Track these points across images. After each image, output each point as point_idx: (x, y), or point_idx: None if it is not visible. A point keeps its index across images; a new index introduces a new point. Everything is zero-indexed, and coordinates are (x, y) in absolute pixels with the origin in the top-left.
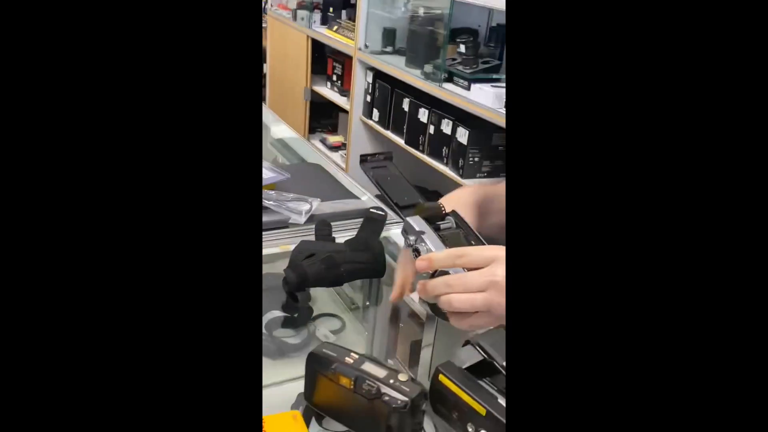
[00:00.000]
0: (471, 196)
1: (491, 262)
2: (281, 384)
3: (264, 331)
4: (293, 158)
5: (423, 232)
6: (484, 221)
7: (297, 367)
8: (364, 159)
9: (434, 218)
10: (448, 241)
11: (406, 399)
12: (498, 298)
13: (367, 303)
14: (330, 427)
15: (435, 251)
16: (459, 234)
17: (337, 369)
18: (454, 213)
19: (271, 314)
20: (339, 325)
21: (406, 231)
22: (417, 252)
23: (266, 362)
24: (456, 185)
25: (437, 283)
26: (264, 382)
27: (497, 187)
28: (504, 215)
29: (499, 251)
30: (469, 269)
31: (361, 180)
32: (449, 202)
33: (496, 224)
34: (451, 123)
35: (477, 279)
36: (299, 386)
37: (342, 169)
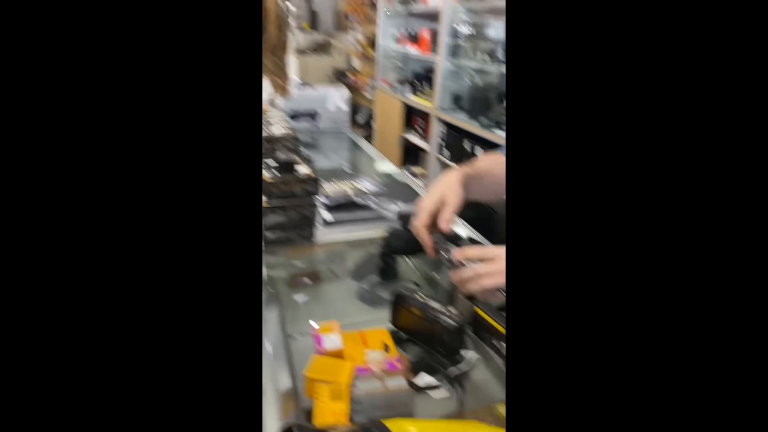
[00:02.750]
0: (455, 176)
1: (497, 256)
2: (376, 323)
3: (368, 288)
4: (385, 177)
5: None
6: (468, 195)
7: (385, 315)
8: (405, 219)
9: (456, 240)
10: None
11: (455, 323)
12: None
13: (432, 273)
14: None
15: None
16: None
17: (411, 302)
18: (469, 238)
19: (373, 278)
20: (417, 289)
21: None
22: (450, 261)
23: (365, 308)
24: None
25: (469, 273)
26: (361, 320)
27: (476, 167)
28: (482, 188)
29: (500, 249)
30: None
31: None
32: (440, 185)
33: (477, 196)
34: None
35: (496, 267)
36: (387, 325)
37: (422, 188)
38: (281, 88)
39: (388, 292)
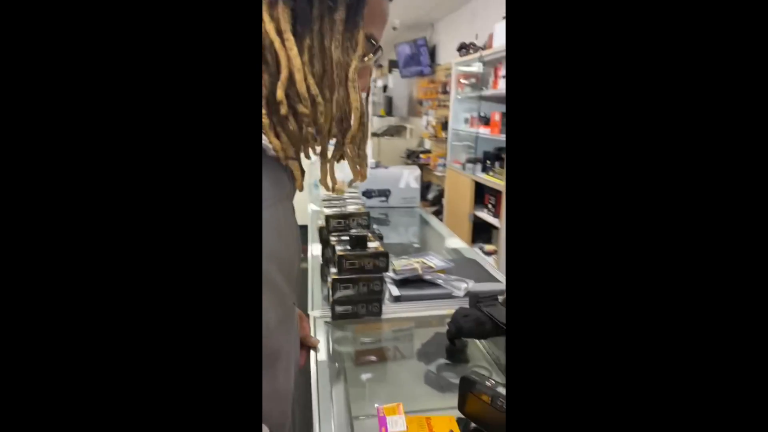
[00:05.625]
0: None
1: None
2: (442, 410)
3: (434, 371)
4: (452, 254)
5: None
6: None
7: (455, 400)
8: (476, 300)
9: None
10: None
11: None
12: None
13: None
14: None
15: None
16: None
17: (480, 388)
18: None
19: (440, 360)
20: (487, 373)
21: None
22: None
23: (433, 392)
24: None
25: None
26: (430, 406)
27: None
28: None
29: None
30: None
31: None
32: None
33: None
34: None
35: None
36: (456, 413)
37: (493, 266)
38: (360, 174)
39: (455, 376)
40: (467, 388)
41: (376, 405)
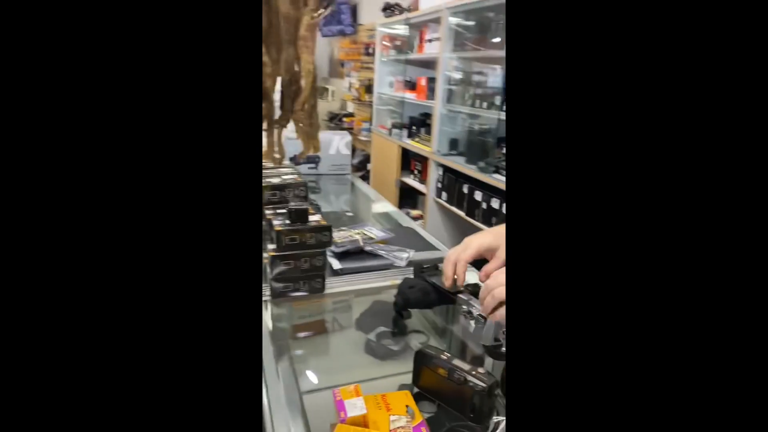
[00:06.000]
0: (503, 227)
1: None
2: (386, 377)
3: (374, 339)
4: (391, 223)
5: (472, 303)
6: None
7: (398, 366)
8: (420, 270)
9: (476, 292)
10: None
11: (485, 384)
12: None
13: (444, 323)
14: (425, 409)
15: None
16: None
17: (436, 362)
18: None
19: (380, 329)
20: (425, 338)
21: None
22: (470, 313)
23: (375, 361)
24: None
25: (491, 300)
26: (373, 375)
27: None
28: None
29: (502, 273)
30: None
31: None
32: (487, 231)
33: None
34: (498, 201)
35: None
36: (399, 379)
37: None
38: (312, 145)
39: (396, 344)
40: (423, 363)
41: (332, 390)
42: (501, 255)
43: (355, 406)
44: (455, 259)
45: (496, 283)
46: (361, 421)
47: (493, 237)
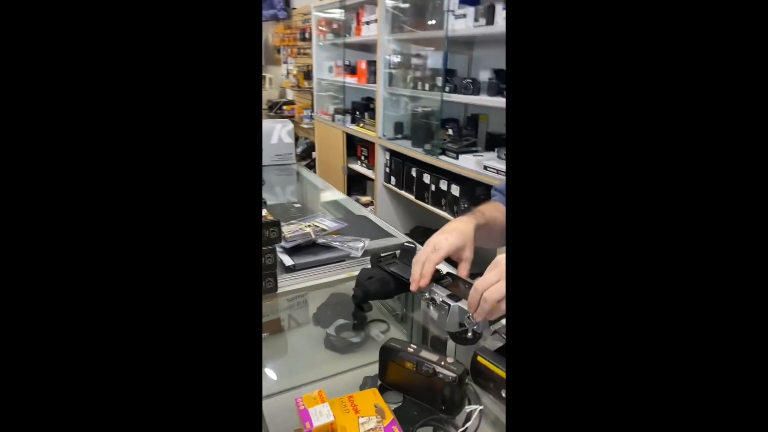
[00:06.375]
0: (470, 227)
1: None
2: (349, 371)
3: (334, 333)
4: (342, 212)
5: (434, 290)
6: (476, 243)
7: (359, 359)
8: (377, 260)
9: (438, 279)
10: (449, 289)
11: (455, 375)
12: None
13: (404, 310)
14: (391, 400)
15: (445, 297)
16: (456, 283)
17: (403, 356)
18: (448, 273)
19: (339, 321)
20: (385, 327)
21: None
22: (433, 300)
23: (336, 356)
24: None
25: (475, 298)
26: (335, 370)
27: (485, 216)
28: (487, 237)
29: (489, 273)
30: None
31: (390, 225)
32: (456, 233)
33: (481, 244)
34: (446, 182)
35: (496, 287)
36: (363, 372)
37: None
38: None
39: (356, 336)
40: (388, 358)
41: (294, 398)
42: (468, 255)
43: (321, 414)
44: (424, 261)
45: (485, 283)
46: (329, 429)
47: (458, 236)
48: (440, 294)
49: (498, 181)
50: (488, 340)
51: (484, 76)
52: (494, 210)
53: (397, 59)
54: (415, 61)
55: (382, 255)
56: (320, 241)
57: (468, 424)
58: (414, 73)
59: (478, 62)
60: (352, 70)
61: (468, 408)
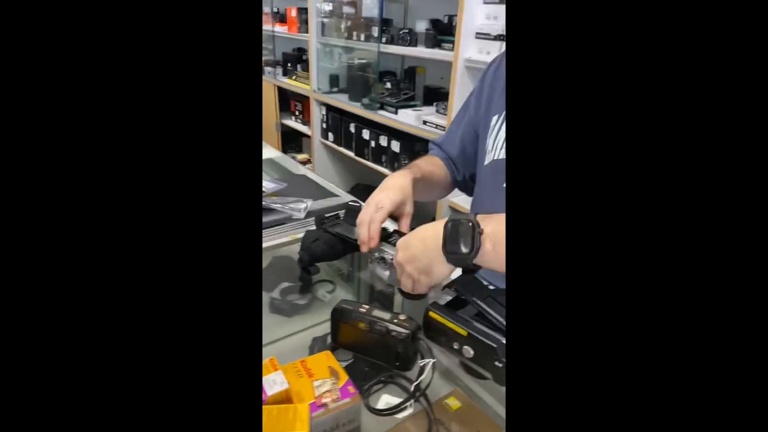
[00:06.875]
0: (408, 181)
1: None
2: (297, 333)
3: (279, 296)
4: (280, 172)
5: (383, 248)
6: (418, 196)
7: (306, 321)
8: (321, 221)
9: (386, 237)
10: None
11: (407, 331)
12: (406, 271)
13: (350, 269)
14: (340, 358)
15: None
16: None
17: (356, 317)
18: (395, 231)
19: (283, 284)
20: (332, 287)
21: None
22: (383, 259)
23: (283, 319)
24: None
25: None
26: (283, 334)
27: (422, 170)
28: (425, 191)
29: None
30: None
31: (332, 184)
32: (395, 189)
33: (420, 198)
34: (386, 138)
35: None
36: (311, 333)
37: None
38: None
39: (302, 298)
40: (341, 319)
41: None
42: (409, 210)
43: (275, 383)
44: (369, 221)
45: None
46: (284, 396)
47: (398, 192)
48: (390, 253)
49: (436, 135)
50: (439, 294)
51: (421, 26)
52: (430, 164)
53: (329, 7)
54: (348, 9)
55: (327, 216)
56: (261, 204)
57: (422, 377)
58: (347, 23)
59: (414, 11)
60: (281, 17)
61: (421, 362)
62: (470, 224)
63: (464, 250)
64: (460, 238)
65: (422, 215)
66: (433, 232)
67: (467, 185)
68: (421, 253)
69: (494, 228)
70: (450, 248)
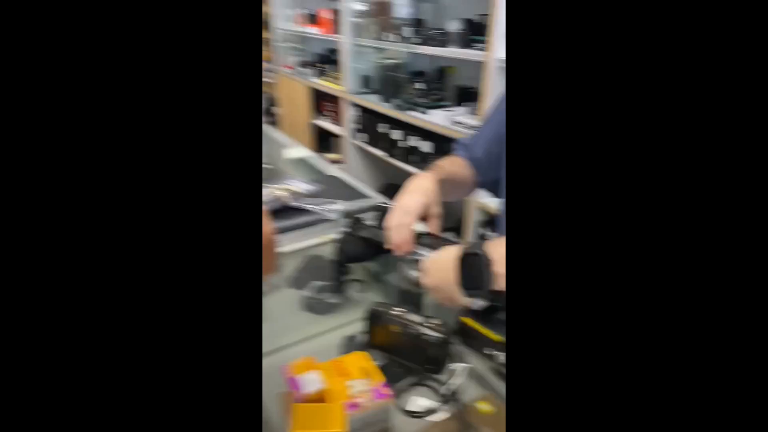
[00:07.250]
0: (431, 183)
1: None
2: (329, 332)
3: (312, 295)
4: (311, 171)
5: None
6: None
7: (337, 319)
8: (354, 223)
9: (417, 238)
10: (432, 248)
11: (438, 335)
12: (433, 295)
13: (380, 269)
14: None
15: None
16: (436, 241)
17: (390, 319)
18: (427, 233)
19: (316, 283)
20: (362, 287)
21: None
22: (414, 261)
23: (313, 317)
24: None
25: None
26: (314, 332)
27: (445, 171)
28: (449, 192)
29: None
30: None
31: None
32: (420, 190)
33: (444, 199)
34: (417, 138)
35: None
36: (342, 332)
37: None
38: None
39: (335, 297)
40: (374, 322)
41: (279, 365)
42: (437, 211)
43: (313, 382)
44: (398, 226)
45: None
46: (319, 395)
47: (424, 194)
48: (425, 255)
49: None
50: (474, 301)
51: (452, 26)
52: (453, 165)
53: (362, 7)
54: (380, 9)
55: (359, 217)
56: (294, 204)
57: (454, 381)
58: (379, 23)
59: (446, 11)
60: (313, 19)
61: (451, 366)
62: (479, 257)
63: (477, 287)
64: (472, 275)
65: (449, 214)
66: (449, 264)
67: (491, 186)
68: (442, 283)
69: (503, 250)
70: (465, 285)
